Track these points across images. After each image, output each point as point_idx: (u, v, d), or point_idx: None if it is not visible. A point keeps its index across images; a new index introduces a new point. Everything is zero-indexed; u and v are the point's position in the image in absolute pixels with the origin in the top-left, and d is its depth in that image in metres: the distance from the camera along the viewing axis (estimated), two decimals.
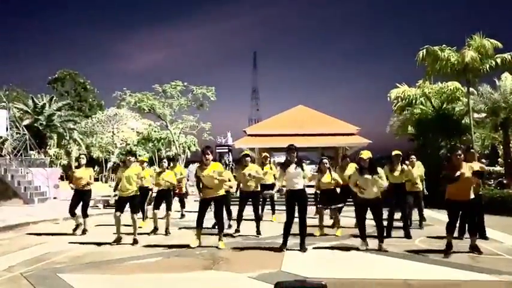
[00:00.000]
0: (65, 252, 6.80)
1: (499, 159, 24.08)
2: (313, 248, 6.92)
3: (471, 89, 15.65)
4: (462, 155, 6.41)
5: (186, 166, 23.43)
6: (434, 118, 16.24)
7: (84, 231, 8.65)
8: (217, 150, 30.19)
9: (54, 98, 34.41)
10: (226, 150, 30.94)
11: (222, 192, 7.10)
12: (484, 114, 18.31)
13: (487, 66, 14.23)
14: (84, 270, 5.66)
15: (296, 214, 6.78)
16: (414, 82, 17.36)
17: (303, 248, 6.64)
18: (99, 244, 7.44)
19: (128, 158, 7.92)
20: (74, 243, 7.57)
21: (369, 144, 21.58)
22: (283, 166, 6.92)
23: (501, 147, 20.82)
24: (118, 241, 7.46)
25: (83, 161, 9.00)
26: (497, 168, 22.32)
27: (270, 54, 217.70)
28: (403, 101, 17.21)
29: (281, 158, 20.60)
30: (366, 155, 6.74)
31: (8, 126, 17.97)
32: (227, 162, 29.54)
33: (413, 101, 16.91)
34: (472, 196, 6.36)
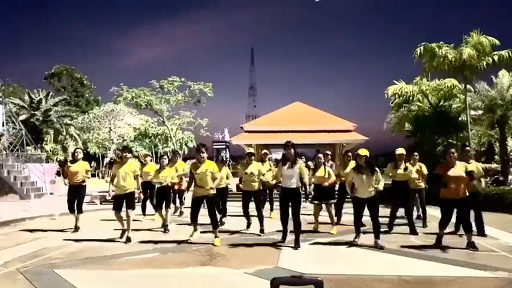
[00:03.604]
0: (61, 247, 6.79)
1: (496, 157, 24.17)
2: (310, 244, 6.94)
3: (468, 86, 15.66)
4: (455, 154, 6.57)
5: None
6: (431, 115, 16.24)
7: (76, 229, 8.37)
8: (214, 147, 30.20)
9: (51, 94, 34.35)
10: (224, 147, 30.98)
11: (213, 191, 7.03)
12: (480, 112, 18.36)
13: (484, 63, 14.24)
14: (80, 266, 5.65)
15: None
16: (411, 79, 17.37)
17: (296, 245, 6.60)
18: (95, 240, 7.42)
19: (124, 154, 7.71)
20: (70, 239, 7.55)
21: (366, 141, 21.65)
22: (280, 163, 6.92)
23: (497, 144, 20.89)
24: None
25: (80, 155, 8.74)
26: (494, 165, 22.40)
27: (268, 50, 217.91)
28: (400, 98, 17.20)
29: (278, 155, 20.63)
30: (362, 152, 6.71)
31: (4, 121, 17.92)
32: (224, 158, 29.60)
33: (411, 98, 16.90)
34: (466, 194, 6.47)
